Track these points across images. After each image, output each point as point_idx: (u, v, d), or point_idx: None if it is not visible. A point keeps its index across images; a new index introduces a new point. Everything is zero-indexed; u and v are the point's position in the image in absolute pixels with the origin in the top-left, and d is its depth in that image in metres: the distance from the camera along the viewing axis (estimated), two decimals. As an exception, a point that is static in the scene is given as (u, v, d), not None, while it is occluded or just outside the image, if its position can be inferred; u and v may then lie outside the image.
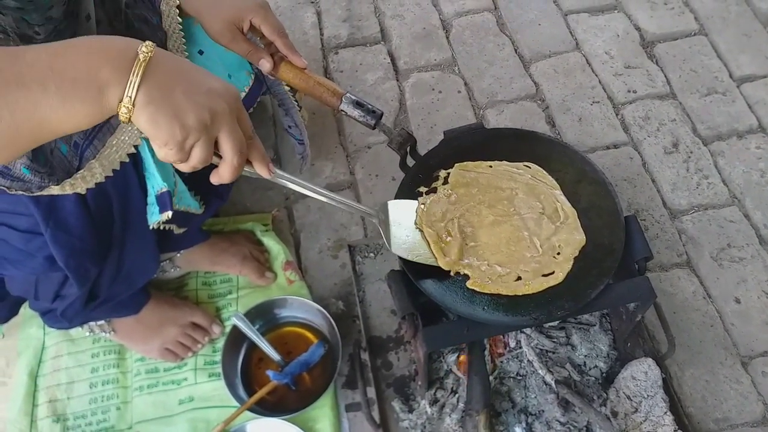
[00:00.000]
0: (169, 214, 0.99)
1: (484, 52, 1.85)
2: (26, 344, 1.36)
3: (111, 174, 0.91)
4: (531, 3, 1.96)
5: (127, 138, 0.91)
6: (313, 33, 1.91)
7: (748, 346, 1.35)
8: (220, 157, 0.73)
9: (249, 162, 0.77)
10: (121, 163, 0.92)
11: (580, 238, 1.07)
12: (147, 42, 0.64)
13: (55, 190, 0.86)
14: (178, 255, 1.39)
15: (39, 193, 0.86)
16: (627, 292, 1.06)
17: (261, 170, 0.79)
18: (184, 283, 1.44)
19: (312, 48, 1.88)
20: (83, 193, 0.90)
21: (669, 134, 1.67)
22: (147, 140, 0.94)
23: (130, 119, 0.64)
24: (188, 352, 1.34)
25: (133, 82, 0.62)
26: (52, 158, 0.85)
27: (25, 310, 1.34)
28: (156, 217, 1.01)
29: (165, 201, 0.99)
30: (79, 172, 0.88)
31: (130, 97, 0.63)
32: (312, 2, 1.99)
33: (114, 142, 0.91)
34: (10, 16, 0.82)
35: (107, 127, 0.90)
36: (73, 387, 1.32)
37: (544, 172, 1.16)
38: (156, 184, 0.99)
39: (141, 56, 0.63)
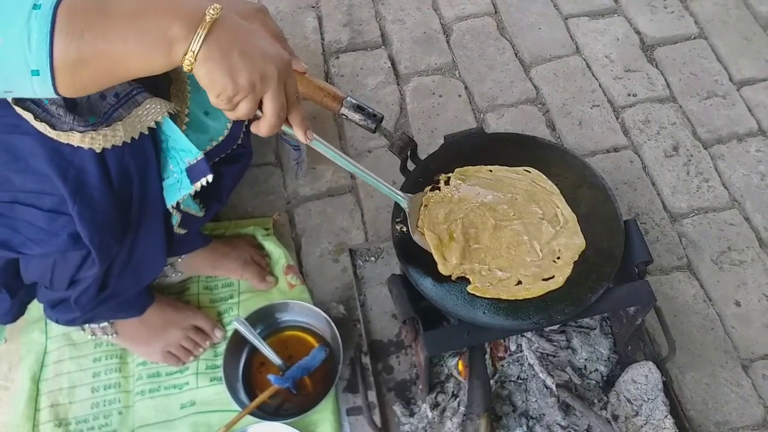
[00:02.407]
0: (210, 177, 1.01)
1: (484, 56, 1.86)
2: (28, 349, 1.36)
3: (129, 141, 0.93)
4: (531, 7, 1.96)
5: (150, 115, 0.96)
6: (314, 37, 1.92)
7: (749, 349, 1.35)
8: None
9: (290, 125, 0.88)
10: (143, 141, 0.96)
11: (579, 242, 1.08)
12: (215, 5, 0.73)
13: (76, 137, 0.88)
14: (180, 260, 1.40)
15: (58, 138, 0.87)
16: (627, 296, 1.06)
17: (298, 133, 0.89)
18: (186, 287, 1.44)
19: (313, 52, 1.88)
20: (99, 150, 0.91)
21: (669, 138, 1.67)
22: (170, 119, 0.98)
23: (191, 70, 0.74)
24: (190, 356, 1.34)
25: (197, 40, 0.72)
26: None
27: (28, 314, 1.34)
28: (187, 189, 1.02)
29: (202, 168, 1.01)
30: (103, 128, 0.91)
31: (194, 52, 0.72)
32: (313, 7, 2.00)
33: (140, 113, 0.95)
34: None
35: (133, 101, 0.95)
36: (75, 391, 1.32)
37: (544, 176, 1.16)
38: (190, 155, 1.01)
39: (207, 17, 0.73)
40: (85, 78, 0.72)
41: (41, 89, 0.71)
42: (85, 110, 0.90)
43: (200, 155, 1.02)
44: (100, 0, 0.71)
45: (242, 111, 0.79)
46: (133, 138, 0.94)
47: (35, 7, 0.68)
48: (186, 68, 0.73)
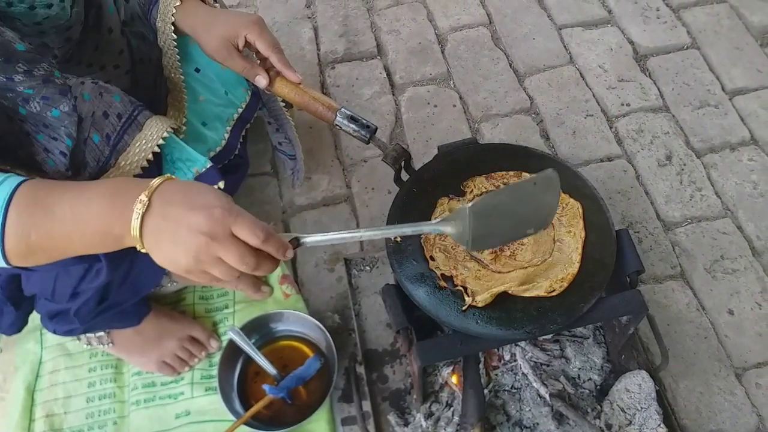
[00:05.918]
0: (221, 184, 1.02)
1: (478, 66, 1.87)
2: (23, 359, 1.36)
3: (141, 171, 0.95)
4: (525, 17, 1.98)
5: (153, 138, 0.96)
6: (310, 48, 1.93)
7: (742, 358, 1.36)
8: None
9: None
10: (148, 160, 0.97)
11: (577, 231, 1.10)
12: (141, 197, 0.76)
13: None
14: (175, 269, 1.39)
15: None
16: (619, 306, 1.07)
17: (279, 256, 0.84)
18: (181, 297, 1.45)
19: (309, 63, 1.89)
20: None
21: (662, 147, 1.68)
22: (173, 134, 1.00)
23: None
24: (185, 366, 1.34)
25: (135, 237, 0.77)
26: (84, 147, 0.90)
27: (23, 324, 1.34)
28: None
29: (212, 175, 1.03)
30: (112, 170, 0.94)
31: (141, 245, 0.78)
32: (309, 18, 2.02)
33: (142, 139, 0.96)
34: (32, 42, 0.85)
35: (135, 124, 0.95)
36: (70, 401, 1.32)
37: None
38: (197, 164, 1.03)
39: (134, 218, 0.76)
40: (36, 261, 0.81)
41: None
42: (89, 126, 0.91)
43: (209, 164, 1.03)
44: (47, 198, 0.78)
45: (217, 273, 0.78)
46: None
47: None
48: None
